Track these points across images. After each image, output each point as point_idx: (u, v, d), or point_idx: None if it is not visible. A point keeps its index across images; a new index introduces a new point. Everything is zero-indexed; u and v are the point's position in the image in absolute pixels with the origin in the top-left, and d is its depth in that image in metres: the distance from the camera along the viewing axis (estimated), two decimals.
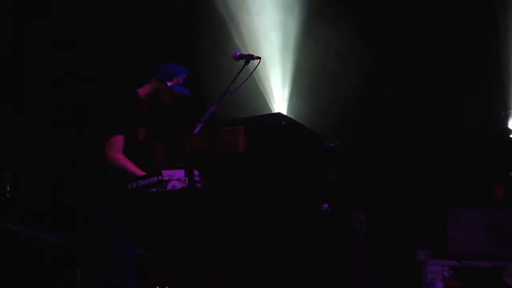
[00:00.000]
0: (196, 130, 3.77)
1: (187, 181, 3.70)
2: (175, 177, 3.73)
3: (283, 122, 3.83)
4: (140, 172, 4.02)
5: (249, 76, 3.97)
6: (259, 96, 5.70)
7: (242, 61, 4.03)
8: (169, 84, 4.18)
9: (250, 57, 4.05)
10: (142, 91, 4.29)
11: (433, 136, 5.62)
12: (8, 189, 4.93)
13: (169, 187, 3.73)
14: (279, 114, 4.12)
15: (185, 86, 4.25)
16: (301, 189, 4.08)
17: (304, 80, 5.71)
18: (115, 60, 5.73)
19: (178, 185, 3.72)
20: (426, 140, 5.63)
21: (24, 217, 4.82)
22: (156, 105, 4.25)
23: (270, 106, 5.72)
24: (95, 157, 4.08)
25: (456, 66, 5.73)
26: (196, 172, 3.74)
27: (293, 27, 5.69)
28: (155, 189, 3.74)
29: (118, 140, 4.05)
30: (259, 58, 4.05)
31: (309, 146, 4.04)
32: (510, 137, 5.70)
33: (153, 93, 4.24)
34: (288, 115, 4.36)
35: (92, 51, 5.72)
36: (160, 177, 3.76)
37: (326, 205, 4.01)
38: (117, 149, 4.03)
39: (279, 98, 5.74)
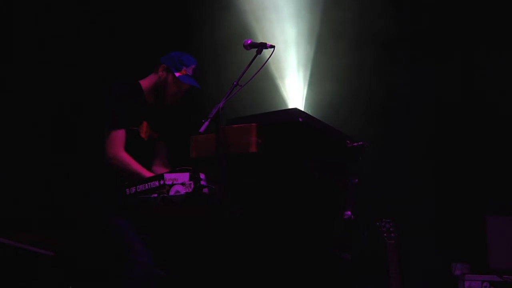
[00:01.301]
0: (202, 128, 3.61)
1: (192, 186, 3.62)
2: (178, 181, 3.66)
3: (300, 119, 3.69)
4: (146, 173, 3.93)
5: (262, 67, 3.81)
6: (272, 89, 5.59)
7: (254, 51, 3.87)
8: (177, 74, 4.10)
9: (263, 46, 3.90)
10: (146, 83, 4.21)
11: (472, 140, 5.47)
12: None
13: (172, 192, 3.66)
14: (295, 109, 3.98)
15: (195, 78, 4.17)
16: (321, 194, 3.96)
17: (323, 72, 5.58)
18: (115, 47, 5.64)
19: (182, 190, 3.65)
20: (465, 143, 5.49)
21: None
22: (162, 98, 4.16)
23: (285, 101, 5.63)
24: (89, 157, 4.10)
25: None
26: (202, 176, 3.66)
27: (309, 14, 5.58)
28: (156, 195, 3.67)
29: (119, 136, 3.98)
30: (273, 46, 3.91)
31: (329, 146, 3.91)
32: None
33: (158, 85, 4.17)
34: (305, 111, 4.12)
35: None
36: (162, 181, 3.69)
37: (348, 213, 3.88)
38: (118, 145, 3.97)
39: (295, 92, 5.63)
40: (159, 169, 4.22)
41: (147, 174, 3.96)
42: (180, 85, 4.19)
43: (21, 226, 4.98)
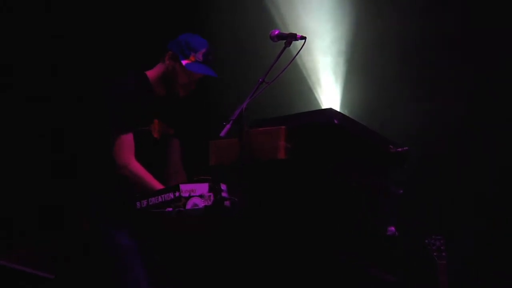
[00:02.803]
0: (223, 132, 3.47)
1: (211, 198, 3.52)
2: (196, 193, 3.55)
3: (336, 121, 3.58)
4: (158, 185, 3.80)
5: (291, 61, 3.69)
6: (303, 87, 5.60)
7: (282, 43, 3.75)
8: (184, 62, 3.93)
9: (293, 37, 3.75)
10: (153, 73, 4.05)
11: None
12: None
13: (189, 205, 3.54)
14: (330, 110, 3.86)
15: (208, 65, 3.98)
16: (360, 207, 3.84)
17: (362, 67, 5.52)
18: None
19: (201, 203, 3.53)
20: None
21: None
22: (173, 89, 4.01)
23: (319, 100, 5.63)
24: (91, 164, 3.92)
25: None
26: (223, 187, 3.56)
27: (346, 2, 5.56)
28: (171, 209, 3.55)
29: (128, 140, 3.83)
30: (304, 38, 3.76)
31: (369, 152, 3.81)
32: None
33: (167, 75, 4.00)
34: (341, 112, 4.11)
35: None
36: (177, 193, 3.56)
37: (392, 228, 3.80)
38: (128, 152, 3.82)
39: (330, 90, 5.64)
40: (174, 175, 4.07)
41: (160, 187, 3.78)
42: (191, 74, 3.99)
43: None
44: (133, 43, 5.56)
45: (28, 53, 5.54)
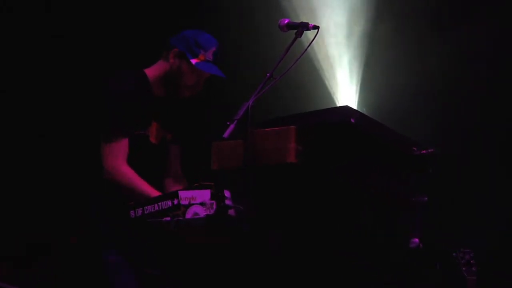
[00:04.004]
0: (227, 133, 3.38)
1: (214, 207, 3.45)
2: (197, 201, 3.48)
3: (352, 120, 3.48)
4: (152, 192, 3.75)
5: (303, 54, 3.59)
6: (316, 83, 5.62)
7: (292, 33, 3.66)
8: (194, 62, 3.84)
9: (304, 27, 3.64)
10: (153, 72, 3.98)
11: None
12: None
13: (189, 214, 3.47)
14: (346, 108, 3.74)
15: (217, 64, 3.90)
16: (380, 216, 3.79)
17: (382, 60, 5.49)
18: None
19: (202, 212, 3.46)
20: None
21: None
22: (176, 90, 3.94)
23: (333, 97, 5.69)
24: (91, 165, 3.88)
25: None
26: (227, 194, 3.47)
27: None
28: (169, 218, 3.48)
29: (121, 146, 3.78)
30: (317, 27, 3.65)
31: (389, 154, 3.72)
32: None
33: (170, 75, 3.93)
34: (358, 110, 4.11)
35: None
36: (176, 201, 3.50)
37: (416, 240, 3.69)
38: (119, 157, 3.78)
39: (345, 86, 5.68)
40: (172, 183, 4.01)
41: (155, 193, 3.69)
42: (199, 74, 3.91)
43: None
44: (133, 43, 5.61)
45: (28, 53, 5.66)
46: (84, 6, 5.80)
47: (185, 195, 3.49)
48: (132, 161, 3.80)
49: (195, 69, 3.87)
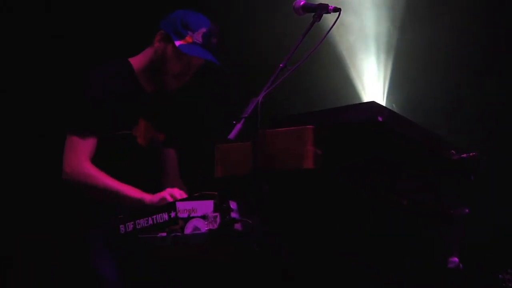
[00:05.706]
0: (233, 134, 3.25)
1: (217, 220, 3.31)
2: (198, 213, 3.35)
3: (380, 118, 3.30)
4: (128, 191, 3.63)
5: (322, 41, 3.45)
6: (337, 75, 5.53)
7: (309, 16, 3.51)
8: (177, 43, 3.66)
9: (324, 9, 3.50)
10: (138, 61, 3.82)
11: None
12: None
13: (189, 229, 3.34)
14: (373, 104, 3.63)
15: (209, 49, 3.75)
16: (413, 230, 3.61)
17: (414, 52, 5.41)
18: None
19: (203, 226, 3.32)
20: None
21: None
22: (161, 81, 3.83)
23: (358, 92, 5.62)
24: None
25: None
26: (232, 205, 3.31)
27: None
28: (165, 233, 3.35)
29: (86, 143, 3.66)
30: (338, 10, 3.49)
31: (424, 158, 3.58)
32: None
33: (155, 62, 3.76)
34: (387, 106, 4.02)
35: None
36: (173, 213, 3.38)
37: (455, 259, 3.52)
38: (80, 155, 3.69)
39: (372, 79, 5.63)
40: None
41: (133, 192, 3.57)
42: (187, 60, 3.73)
43: None
44: (133, 43, 5.53)
45: (28, 53, 5.75)
46: (84, 6, 5.81)
47: (183, 207, 3.36)
48: (115, 166, 3.67)
49: (180, 53, 3.70)
